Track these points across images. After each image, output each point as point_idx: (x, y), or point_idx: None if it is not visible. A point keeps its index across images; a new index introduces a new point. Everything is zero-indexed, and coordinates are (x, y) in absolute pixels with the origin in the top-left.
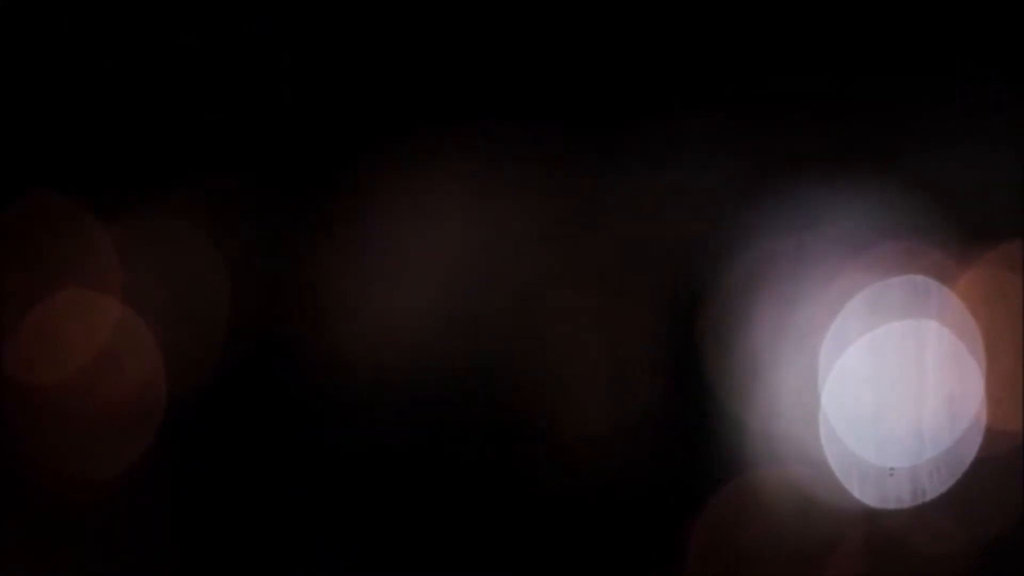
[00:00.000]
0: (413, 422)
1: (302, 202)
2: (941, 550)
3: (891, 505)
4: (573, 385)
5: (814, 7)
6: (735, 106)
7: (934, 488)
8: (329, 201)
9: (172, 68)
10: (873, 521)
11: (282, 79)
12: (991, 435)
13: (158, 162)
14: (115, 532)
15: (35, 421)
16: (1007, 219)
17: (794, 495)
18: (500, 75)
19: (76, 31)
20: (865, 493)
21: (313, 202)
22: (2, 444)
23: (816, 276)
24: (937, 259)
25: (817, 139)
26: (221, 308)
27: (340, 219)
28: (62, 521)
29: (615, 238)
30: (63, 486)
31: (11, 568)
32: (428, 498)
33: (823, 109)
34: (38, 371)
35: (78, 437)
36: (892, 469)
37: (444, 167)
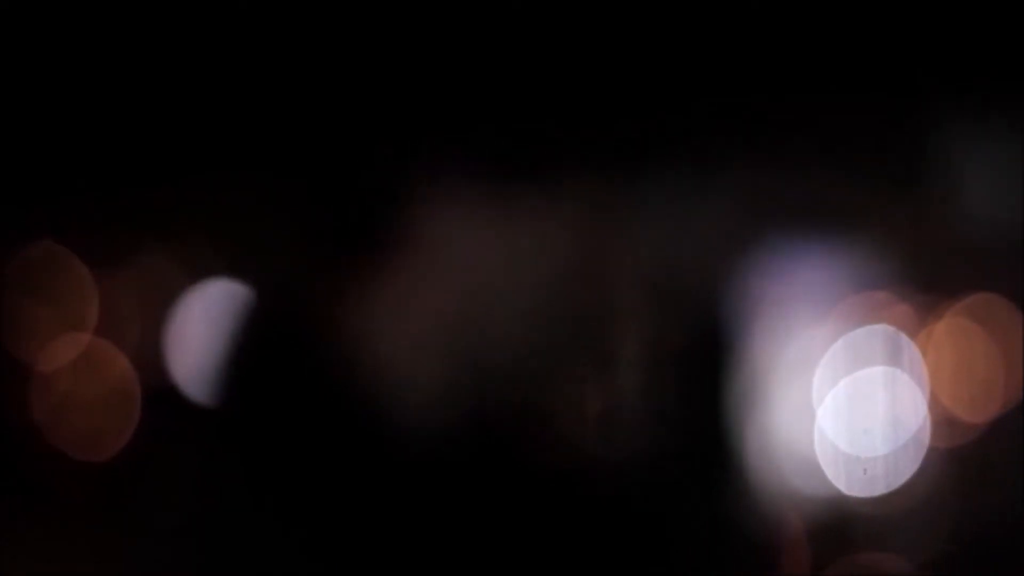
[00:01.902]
0: (431, 436)
1: (329, 216)
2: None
3: (865, 494)
4: (585, 403)
5: (789, 74)
6: (725, 164)
7: (897, 479)
8: (350, 219)
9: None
10: (848, 506)
11: (308, 94)
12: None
13: (166, 165)
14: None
15: (38, 404)
16: (974, 271)
17: (786, 488)
18: (520, 114)
19: (74, 46)
20: (845, 484)
21: (336, 214)
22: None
23: (800, 317)
24: (904, 310)
25: (795, 194)
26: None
27: (364, 242)
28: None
29: (623, 278)
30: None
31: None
32: (442, 508)
33: (801, 164)
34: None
35: (75, 420)
36: (865, 469)
37: (465, 203)
